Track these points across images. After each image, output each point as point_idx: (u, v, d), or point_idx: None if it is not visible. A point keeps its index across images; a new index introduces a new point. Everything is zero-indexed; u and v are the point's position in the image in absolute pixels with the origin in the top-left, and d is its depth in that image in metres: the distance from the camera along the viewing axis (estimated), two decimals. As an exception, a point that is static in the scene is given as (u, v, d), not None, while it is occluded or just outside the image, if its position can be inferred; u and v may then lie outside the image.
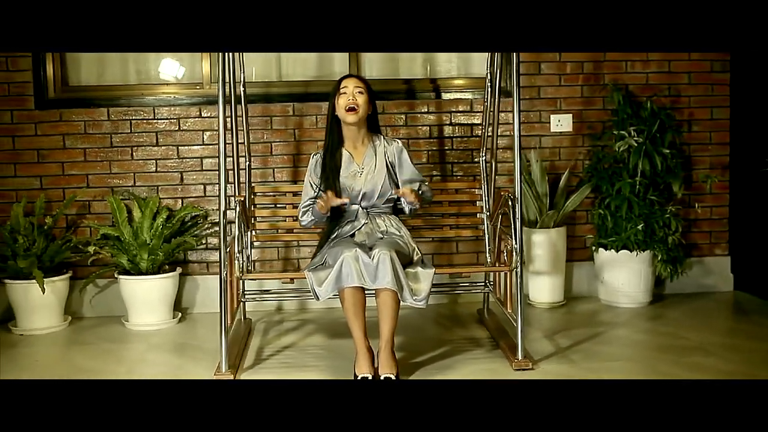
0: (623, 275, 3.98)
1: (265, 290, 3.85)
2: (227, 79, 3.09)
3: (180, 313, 3.97)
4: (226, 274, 2.96)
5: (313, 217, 3.14)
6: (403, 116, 4.13)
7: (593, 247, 4.09)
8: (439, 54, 4.22)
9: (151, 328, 3.78)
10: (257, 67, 4.15)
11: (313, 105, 4.07)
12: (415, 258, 3.08)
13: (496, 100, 3.51)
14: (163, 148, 4.04)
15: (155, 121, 4.03)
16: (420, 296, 2.87)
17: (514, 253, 3.01)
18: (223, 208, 2.98)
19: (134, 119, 4.02)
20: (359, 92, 3.09)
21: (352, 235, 3.11)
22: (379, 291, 2.84)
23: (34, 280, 3.61)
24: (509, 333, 3.42)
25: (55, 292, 3.76)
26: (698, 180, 4.21)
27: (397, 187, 3.18)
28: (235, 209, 2.99)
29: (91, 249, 3.73)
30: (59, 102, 3.99)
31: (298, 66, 4.17)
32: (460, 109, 4.15)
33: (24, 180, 4.00)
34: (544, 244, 4.00)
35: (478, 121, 4.12)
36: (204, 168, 4.06)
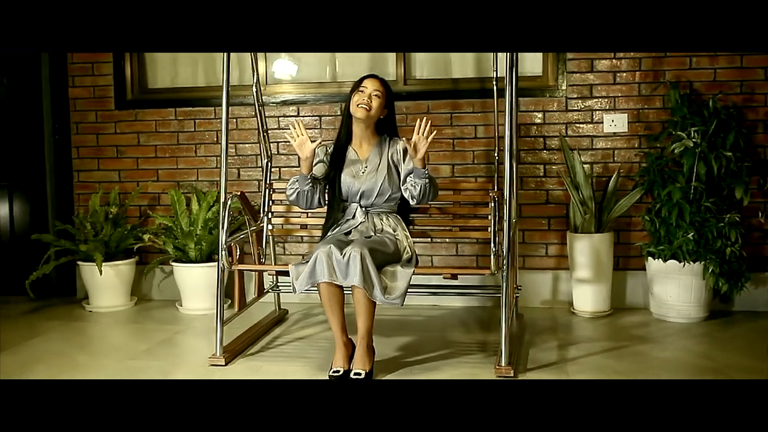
0: (672, 287, 3.69)
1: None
2: (229, 82, 3.27)
3: (230, 300, 4.23)
4: (224, 264, 3.15)
5: (297, 187, 3.11)
6: (447, 116, 4.11)
7: (644, 256, 3.82)
8: (488, 54, 4.14)
9: (199, 312, 4.08)
10: (311, 68, 4.32)
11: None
12: (404, 257, 3.09)
13: (514, 99, 3.39)
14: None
15: (216, 120, 4.33)
16: (393, 295, 2.88)
17: (492, 257, 2.92)
18: (222, 200, 3.18)
19: (198, 119, 4.35)
20: (376, 95, 3.14)
21: (348, 233, 3.17)
22: (353, 288, 2.89)
23: (102, 263, 4.05)
24: (516, 339, 3.32)
25: (120, 275, 4.17)
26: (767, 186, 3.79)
27: (399, 188, 3.19)
28: (228, 203, 3.16)
29: (146, 237, 4.10)
30: (135, 103, 4.41)
31: (351, 66, 4.28)
32: (500, 110, 4.04)
33: (105, 173, 4.47)
34: (585, 250, 3.81)
35: (523, 122, 4.01)
36: (258, 165, 4.30)
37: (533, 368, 3.03)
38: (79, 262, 4.20)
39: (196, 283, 4.08)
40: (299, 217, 3.58)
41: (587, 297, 3.86)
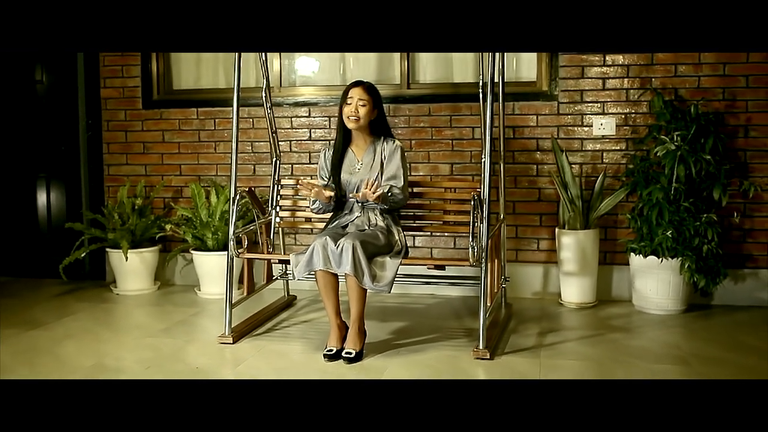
0: (651, 282, 3.94)
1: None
2: (242, 84, 3.60)
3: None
4: (233, 253, 3.50)
5: (320, 206, 3.53)
6: (447, 118, 4.40)
7: (627, 252, 4.08)
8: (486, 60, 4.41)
9: (215, 296, 4.43)
10: (323, 71, 4.64)
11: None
12: (395, 249, 3.39)
13: (501, 102, 3.68)
14: (240, 143, 4.67)
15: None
16: (382, 282, 3.19)
17: (470, 249, 3.21)
18: (232, 195, 3.52)
19: (218, 118, 4.70)
20: (362, 105, 3.43)
21: (346, 226, 3.49)
22: (346, 276, 3.21)
23: (128, 250, 4.44)
24: (501, 326, 3.61)
25: (144, 262, 4.55)
26: (743, 187, 4.00)
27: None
28: (236, 198, 3.49)
29: (167, 227, 4.47)
30: (161, 103, 4.78)
31: (360, 70, 4.58)
32: (506, 112, 4.32)
33: (133, 167, 4.85)
34: (572, 245, 4.08)
35: (516, 124, 4.28)
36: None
37: (509, 352, 3.32)
38: (108, 249, 4.59)
39: (213, 270, 4.43)
40: (304, 210, 3.91)
41: (574, 289, 4.13)
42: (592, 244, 4.10)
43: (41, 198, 5.06)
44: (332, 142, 3.67)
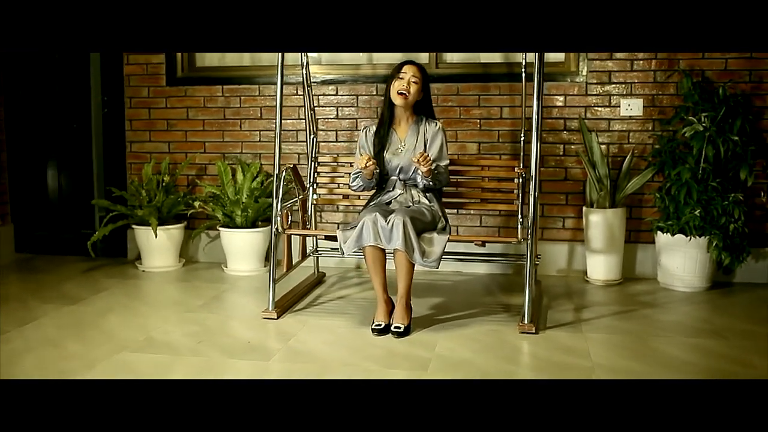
0: (678, 259, 4.04)
1: (331, 248, 4.38)
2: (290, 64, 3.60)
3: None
4: (277, 229, 3.52)
5: (361, 183, 3.57)
6: (476, 97, 4.44)
7: (654, 230, 4.17)
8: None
9: (243, 273, 4.46)
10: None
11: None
12: (439, 226, 3.44)
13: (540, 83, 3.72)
14: (265, 121, 4.69)
15: (260, 97, 4.68)
16: (431, 258, 3.24)
17: (519, 227, 3.27)
18: (276, 172, 3.54)
19: (243, 96, 4.70)
20: (414, 81, 3.47)
21: (389, 203, 3.53)
22: (394, 252, 3.25)
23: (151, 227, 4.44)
24: (537, 302, 3.68)
25: (171, 239, 4.55)
26: (772, 168, 4.12)
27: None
28: (282, 174, 3.51)
29: (196, 204, 4.48)
30: (185, 80, 4.76)
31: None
32: (528, 92, 4.36)
33: (156, 144, 4.83)
34: (600, 223, 4.16)
35: (547, 104, 4.34)
36: (299, 139, 4.65)
37: (552, 326, 3.39)
38: (134, 226, 4.57)
39: (241, 247, 4.45)
40: (340, 187, 3.94)
41: (600, 267, 4.22)
42: (620, 223, 4.19)
43: (51, 176, 5.03)
44: (370, 124, 3.70)
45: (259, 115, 4.69)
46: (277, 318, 3.52)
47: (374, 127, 3.65)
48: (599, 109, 4.33)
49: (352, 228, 3.37)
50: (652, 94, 4.27)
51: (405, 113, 3.58)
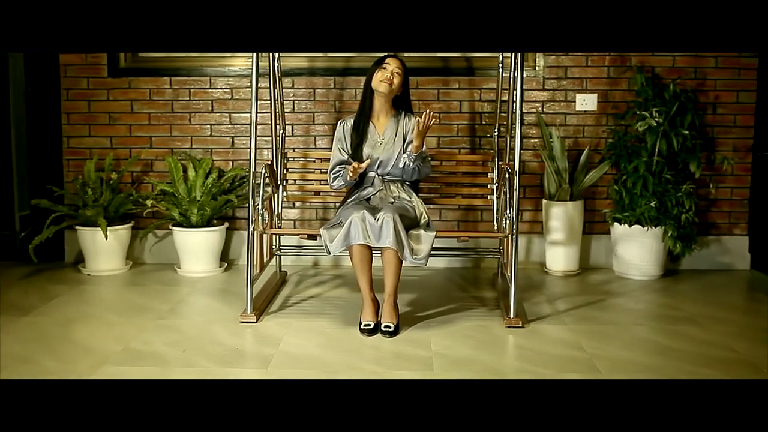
0: (635, 249, 4.20)
1: (299, 246, 4.28)
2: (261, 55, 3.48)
3: (226, 264, 4.45)
4: (253, 229, 3.39)
5: (342, 182, 3.52)
6: (435, 91, 4.43)
7: (609, 221, 4.31)
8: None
9: (198, 275, 4.27)
10: (303, 42, 4.53)
11: (353, 79, 4.43)
12: (422, 222, 3.42)
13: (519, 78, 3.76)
14: (217, 114, 4.50)
15: (211, 90, 4.48)
16: (420, 255, 3.21)
17: (506, 222, 3.30)
18: (253, 169, 3.40)
19: (193, 88, 4.49)
20: (397, 73, 3.45)
21: (368, 199, 3.47)
22: (383, 250, 3.20)
23: (99, 228, 4.17)
24: (510, 295, 3.73)
25: (118, 239, 4.30)
26: (718, 161, 4.35)
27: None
28: (262, 172, 3.38)
29: (148, 203, 4.24)
30: (129, 71, 4.49)
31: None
32: (491, 87, 4.42)
33: (97, 140, 4.54)
34: (560, 216, 4.26)
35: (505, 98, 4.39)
36: (259, 134, 4.48)
37: (534, 320, 3.45)
38: (77, 227, 4.28)
39: (196, 247, 4.26)
40: (313, 184, 3.84)
41: (560, 258, 4.33)
42: (579, 215, 4.31)
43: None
44: (346, 117, 3.62)
45: (210, 108, 4.50)
46: (257, 321, 3.39)
47: (351, 120, 3.57)
48: (555, 103, 4.43)
49: (336, 226, 3.29)
50: (605, 89, 4.41)
51: (384, 106, 3.54)
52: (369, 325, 3.23)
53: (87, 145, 4.54)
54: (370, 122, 3.54)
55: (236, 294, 3.88)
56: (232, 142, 4.52)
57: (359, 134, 3.51)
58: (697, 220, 4.22)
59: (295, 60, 4.48)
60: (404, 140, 3.52)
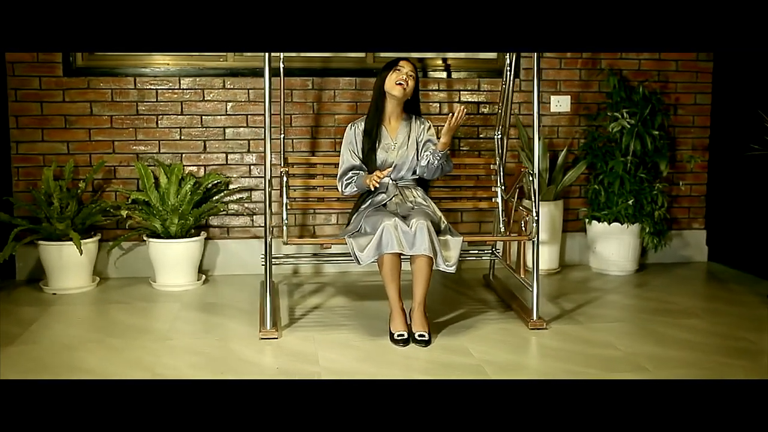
0: (614, 246, 4.36)
1: (285, 255, 4.10)
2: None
3: (203, 275, 4.19)
4: (271, 239, 3.21)
5: (356, 190, 3.40)
6: (414, 93, 4.38)
7: (586, 220, 4.44)
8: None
9: (178, 288, 4.00)
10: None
11: (332, 80, 4.29)
12: (443, 227, 3.37)
13: (510, 82, 3.79)
14: (186, 117, 4.22)
15: (179, 90, 4.20)
16: (450, 262, 3.17)
17: (533, 224, 3.32)
18: (269, 176, 3.22)
19: (161, 88, 4.18)
20: (411, 77, 3.37)
21: (384, 205, 3.38)
22: (415, 257, 3.13)
23: (67, 242, 3.82)
24: (518, 296, 3.76)
25: (87, 254, 3.94)
26: (682, 159, 4.59)
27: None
28: (282, 178, 3.19)
29: (123, 213, 3.92)
30: (88, 70, 4.12)
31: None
32: (468, 88, 4.43)
33: (51, 145, 4.14)
34: (544, 216, 4.32)
35: (483, 100, 4.42)
36: (226, 137, 4.26)
37: (550, 320, 3.49)
38: (41, 242, 3.89)
39: (175, 259, 3.99)
40: (316, 190, 3.69)
41: (542, 257, 4.39)
42: (560, 214, 4.41)
43: None
44: (356, 120, 3.51)
45: (180, 110, 4.22)
46: (278, 338, 3.22)
47: (362, 124, 3.47)
48: (531, 104, 4.48)
49: (362, 234, 3.18)
50: (578, 91, 4.53)
51: (396, 110, 3.46)
52: (402, 335, 3.15)
53: (40, 150, 4.13)
54: (382, 126, 3.45)
55: (232, 307, 3.67)
56: (204, 146, 4.26)
57: (372, 139, 3.41)
58: (668, 216, 4.44)
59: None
60: (417, 144, 3.46)
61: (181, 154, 4.24)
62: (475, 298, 3.89)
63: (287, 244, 3.21)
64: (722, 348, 3.13)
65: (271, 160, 3.23)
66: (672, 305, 3.77)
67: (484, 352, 3.06)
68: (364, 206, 3.41)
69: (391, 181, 3.42)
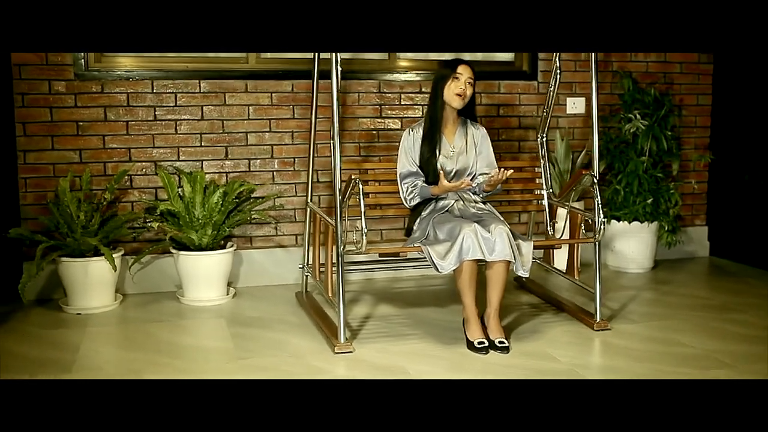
0: (633, 244, 4.46)
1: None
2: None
3: (233, 289, 4.00)
4: (342, 248, 3.08)
5: (419, 199, 3.32)
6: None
7: (608, 219, 4.52)
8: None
9: (209, 303, 3.79)
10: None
11: (355, 82, 4.18)
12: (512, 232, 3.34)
13: (556, 86, 3.80)
14: (206, 122, 4.01)
15: (200, 95, 3.98)
16: (527, 266, 3.14)
17: (600, 226, 3.35)
18: (338, 186, 3.09)
19: (180, 92, 3.96)
20: (470, 83, 3.29)
21: (448, 211, 3.32)
22: (494, 263, 3.08)
23: (92, 258, 3.56)
24: (562, 297, 3.79)
25: (112, 270, 3.67)
26: (689, 159, 4.74)
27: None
28: (358, 184, 3.05)
29: (155, 225, 3.68)
30: (101, 73, 3.85)
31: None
32: (486, 91, 4.41)
33: (63, 153, 3.83)
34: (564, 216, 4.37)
35: (499, 102, 4.42)
36: (247, 143, 4.07)
37: (604, 320, 3.51)
38: (64, 258, 3.59)
39: (206, 272, 3.78)
40: (368, 196, 3.57)
41: (564, 258, 4.45)
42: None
43: None
44: (413, 125, 3.43)
45: (200, 115, 4.00)
46: (353, 351, 3.10)
47: (419, 129, 3.39)
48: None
49: (438, 242, 3.11)
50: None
51: (452, 115, 3.40)
52: (483, 342, 3.10)
53: (49, 160, 3.82)
54: (440, 132, 3.38)
55: (279, 321, 3.52)
56: (226, 152, 4.06)
57: (432, 146, 3.34)
58: (682, 214, 4.58)
59: (295, 63, 4.12)
60: (475, 150, 3.41)
61: (202, 161, 4.02)
62: (519, 301, 3.88)
63: (365, 253, 3.09)
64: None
65: (340, 167, 3.09)
66: (708, 300, 3.89)
67: (566, 355, 3.06)
68: (426, 212, 3.34)
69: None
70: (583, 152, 4.52)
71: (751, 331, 3.37)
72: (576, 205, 3.73)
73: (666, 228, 4.44)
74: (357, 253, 3.13)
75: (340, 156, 3.11)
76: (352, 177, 3.06)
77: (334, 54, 3.12)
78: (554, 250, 3.93)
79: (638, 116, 4.42)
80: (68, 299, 3.66)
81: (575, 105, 4.58)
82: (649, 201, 4.40)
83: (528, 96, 4.49)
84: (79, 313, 3.61)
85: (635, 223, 4.43)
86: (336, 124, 3.11)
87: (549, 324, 3.47)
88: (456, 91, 3.28)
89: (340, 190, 3.10)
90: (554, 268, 3.83)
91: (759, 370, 2.89)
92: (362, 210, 3.02)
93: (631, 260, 4.49)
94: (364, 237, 3.02)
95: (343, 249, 3.09)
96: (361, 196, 3.02)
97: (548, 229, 3.83)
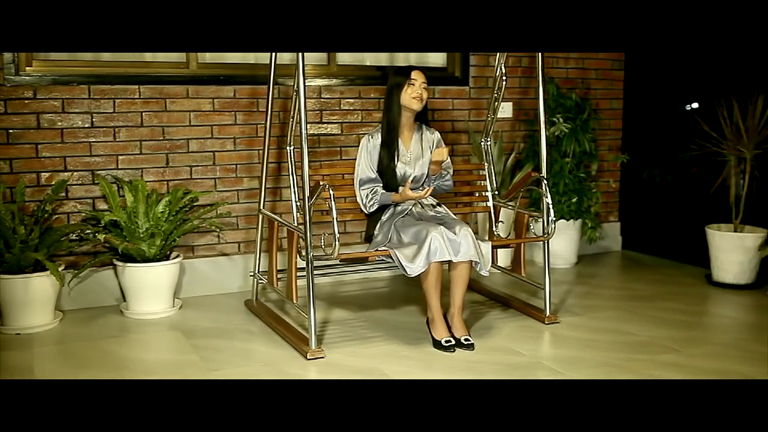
0: (562, 241, 4.70)
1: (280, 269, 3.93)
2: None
3: (179, 300, 3.90)
4: (312, 256, 3.09)
5: (378, 205, 3.37)
6: (376, 101, 4.40)
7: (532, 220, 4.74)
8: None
9: (156, 316, 3.68)
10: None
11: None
12: (467, 233, 3.46)
13: (502, 90, 3.95)
14: (146, 129, 3.89)
15: (140, 100, 3.85)
16: (487, 266, 3.27)
17: (551, 225, 3.53)
18: (308, 193, 3.10)
19: (118, 98, 3.81)
20: (424, 88, 3.37)
21: (408, 214, 3.39)
22: (458, 264, 3.19)
23: (33, 274, 3.38)
24: (506, 294, 3.96)
25: (53, 286, 3.50)
26: (605, 159, 5.06)
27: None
28: (328, 190, 3.06)
29: (101, 237, 3.52)
30: (35, 77, 3.64)
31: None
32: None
33: (-9, 163, 3.61)
34: (503, 216, 4.56)
35: (436, 107, 4.55)
36: (188, 150, 3.98)
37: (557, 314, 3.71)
38: (1, 276, 3.38)
39: (152, 284, 3.67)
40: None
41: (501, 257, 4.63)
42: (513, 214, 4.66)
43: None
44: (371, 132, 3.48)
45: (140, 122, 3.87)
46: (324, 357, 3.11)
47: (377, 136, 3.44)
48: (479, 111, 4.71)
49: (404, 245, 3.18)
50: (518, 98, 4.82)
51: (409, 121, 3.48)
52: (450, 341, 3.20)
53: (-24, 170, 3.58)
54: (398, 138, 3.45)
55: (238, 330, 3.48)
56: (167, 159, 3.95)
57: (390, 152, 3.40)
58: (602, 212, 4.87)
59: (240, 68, 4.06)
60: (429, 153, 3.50)
61: (142, 169, 3.89)
62: (469, 299, 4.00)
63: (335, 258, 3.11)
64: (719, 326, 3.55)
65: (308, 175, 3.10)
66: (637, 291, 4.17)
67: (528, 348, 3.22)
68: (386, 217, 3.40)
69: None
70: (513, 154, 4.72)
71: (687, 318, 3.66)
72: (511, 204, 3.89)
73: (589, 225, 4.72)
74: (326, 259, 3.15)
75: (304, 161, 3.10)
76: (320, 183, 3.08)
77: (300, 54, 3.10)
78: (497, 250, 4.07)
79: (561, 120, 4.67)
80: (4, 318, 3.45)
81: (503, 109, 4.77)
82: (574, 200, 4.66)
83: (461, 101, 4.64)
84: (19, 333, 3.41)
85: (561, 221, 4.67)
86: (304, 130, 3.10)
87: (501, 320, 3.62)
88: (413, 95, 3.35)
89: (308, 196, 3.11)
90: (499, 266, 3.99)
91: (705, 353, 3.15)
92: (334, 215, 3.04)
93: (559, 256, 4.74)
94: (337, 242, 3.04)
95: (311, 255, 3.10)
96: (333, 202, 3.04)
97: (494, 229, 3.97)
